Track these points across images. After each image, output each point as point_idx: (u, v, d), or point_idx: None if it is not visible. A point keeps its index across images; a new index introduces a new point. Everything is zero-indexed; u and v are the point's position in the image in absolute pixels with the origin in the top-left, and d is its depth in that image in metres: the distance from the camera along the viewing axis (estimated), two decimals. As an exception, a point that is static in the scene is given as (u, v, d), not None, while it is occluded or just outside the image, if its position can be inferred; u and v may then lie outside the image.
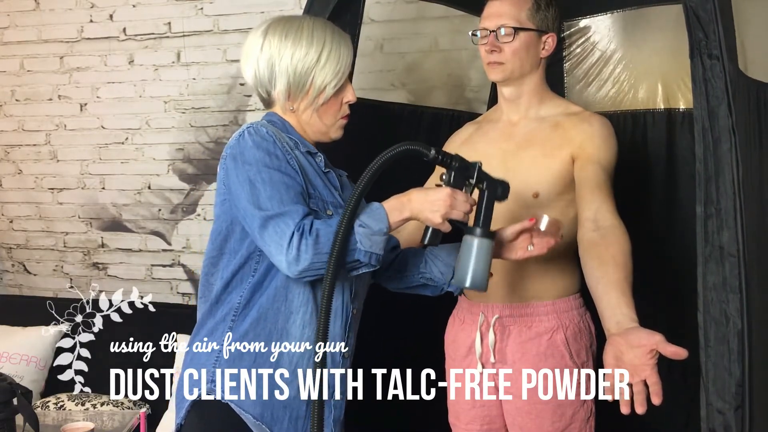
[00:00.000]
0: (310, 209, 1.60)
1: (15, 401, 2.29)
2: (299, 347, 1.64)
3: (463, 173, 1.59)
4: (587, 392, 1.97)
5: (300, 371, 1.64)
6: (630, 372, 1.53)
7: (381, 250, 1.57)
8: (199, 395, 1.62)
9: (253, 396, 1.61)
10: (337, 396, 1.70)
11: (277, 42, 1.68)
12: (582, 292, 1.98)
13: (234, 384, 1.61)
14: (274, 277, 1.64)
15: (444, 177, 1.58)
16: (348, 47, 1.73)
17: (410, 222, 1.63)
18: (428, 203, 1.55)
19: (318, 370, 1.55)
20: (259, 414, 1.60)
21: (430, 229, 1.58)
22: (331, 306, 1.56)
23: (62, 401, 3.08)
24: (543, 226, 1.72)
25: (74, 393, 3.14)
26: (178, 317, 3.30)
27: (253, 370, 1.62)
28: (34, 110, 3.72)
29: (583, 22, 2.59)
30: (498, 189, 1.63)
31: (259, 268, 1.64)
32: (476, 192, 1.63)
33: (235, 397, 1.60)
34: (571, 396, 1.95)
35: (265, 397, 1.61)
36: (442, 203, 1.54)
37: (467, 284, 1.61)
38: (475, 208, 1.61)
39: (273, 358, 1.63)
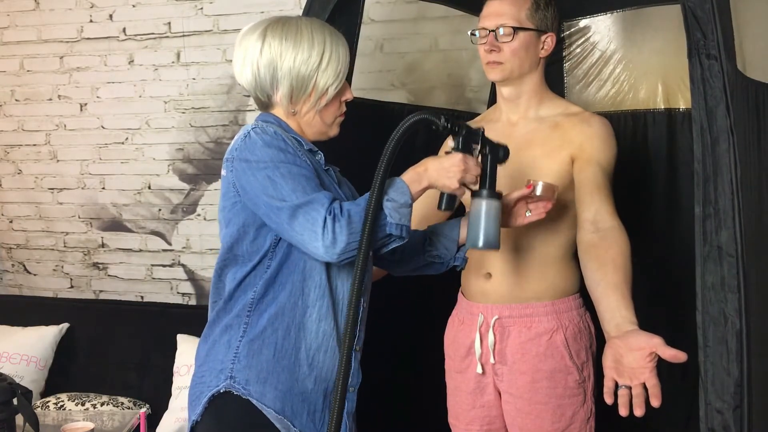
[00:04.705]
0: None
1: (15, 401, 2.29)
2: (317, 339, 1.66)
3: (469, 140, 1.64)
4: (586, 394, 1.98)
5: (317, 364, 1.66)
6: (629, 375, 1.53)
7: (409, 222, 1.62)
8: (218, 391, 1.63)
9: (273, 390, 1.62)
10: (350, 389, 1.71)
11: (277, 45, 1.68)
12: (581, 292, 1.98)
13: (255, 379, 1.62)
14: (291, 273, 1.66)
15: (452, 144, 1.64)
16: (345, 47, 1.75)
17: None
18: (444, 170, 1.62)
19: (343, 359, 1.58)
20: (280, 408, 1.62)
21: (446, 195, 1.65)
22: (363, 286, 1.60)
23: (62, 401, 3.08)
24: (539, 191, 1.78)
25: (74, 393, 3.14)
26: (178, 317, 3.33)
27: (273, 365, 1.63)
28: (34, 110, 3.72)
29: (583, 22, 2.59)
30: (500, 152, 1.70)
31: (272, 264, 1.66)
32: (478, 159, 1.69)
33: (256, 392, 1.61)
34: (571, 396, 1.96)
35: (285, 391, 1.63)
36: (457, 168, 1.61)
37: (480, 244, 1.68)
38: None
39: (291, 352, 1.64)
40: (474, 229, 1.69)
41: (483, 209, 1.67)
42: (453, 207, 1.67)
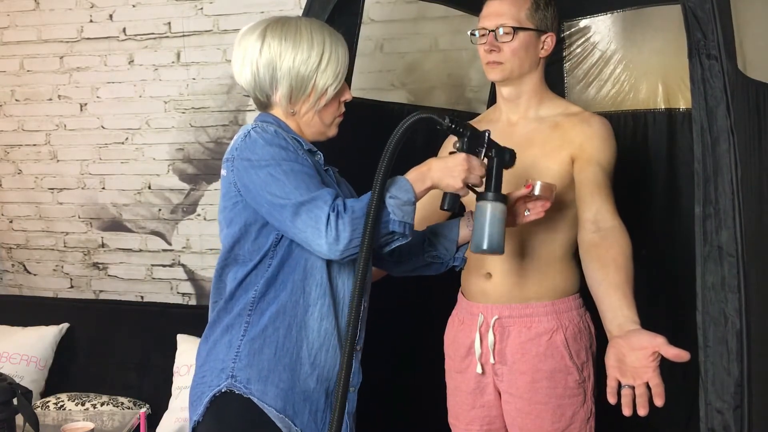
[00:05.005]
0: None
1: (15, 401, 2.29)
2: (319, 338, 1.66)
3: (474, 141, 1.64)
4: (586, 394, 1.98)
5: (319, 363, 1.66)
6: (632, 374, 1.53)
7: (412, 220, 1.61)
8: (220, 390, 1.63)
9: (274, 389, 1.62)
10: (351, 389, 1.72)
11: (277, 45, 1.68)
12: (582, 292, 1.98)
13: (256, 378, 1.62)
14: (292, 271, 1.65)
15: (457, 145, 1.64)
16: (345, 48, 1.74)
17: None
18: (447, 170, 1.61)
19: (344, 358, 1.58)
20: (281, 407, 1.62)
21: (449, 195, 1.64)
22: (365, 285, 1.60)
23: (62, 401, 3.08)
24: (537, 191, 1.78)
25: (74, 393, 3.14)
26: (178, 317, 3.33)
27: (274, 363, 1.63)
28: (34, 110, 3.72)
29: (583, 22, 2.59)
30: (506, 155, 1.70)
31: (273, 263, 1.66)
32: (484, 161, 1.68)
33: (257, 391, 1.61)
34: (571, 396, 1.96)
35: (287, 389, 1.63)
36: (461, 169, 1.60)
37: (485, 247, 1.68)
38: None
39: (293, 350, 1.64)
40: (479, 232, 1.68)
41: (488, 213, 1.67)
42: (456, 207, 1.67)
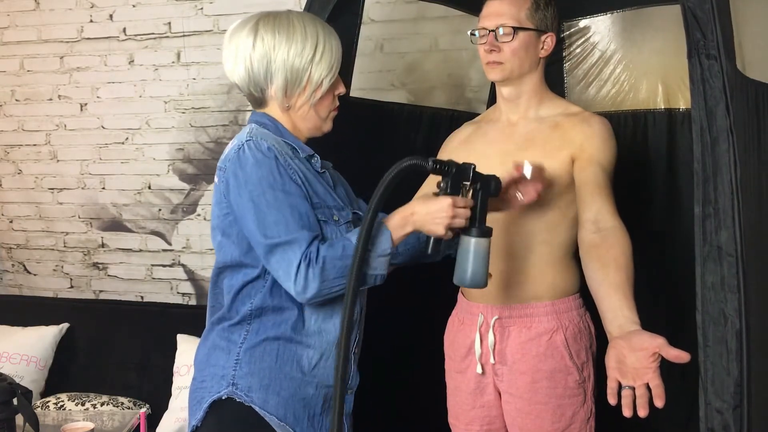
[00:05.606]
0: (317, 229, 1.61)
1: (15, 401, 2.29)
2: (320, 347, 1.66)
3: (459, 177, 1.61)
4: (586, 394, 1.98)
5: (319, 371, 1.66)
6: (632, 375, 1.53)
7: (385, 270, 1.60)
8: (220, 397, 1.62)
9: (275, 397, 1.61)
10: (348, 391, 1.72)
11: (270, 38, 1.67)
12: (582, 292, 1.98)
13: (257, 386, 1.62)
14: None
15: (441, 185, 1.60)
16: (338, 40, 1.74)
17: None
18: (430, 216, 1.58)
19: (340, 364, 1.56)
20: (282, 415, 1.61)
21: (432, 239, 1.61)
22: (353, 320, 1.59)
23: (62, 401, 3.08)
24: (528, 174, 1.74)
25: (74, 393, 3.14)
26: (178, 317, 3.33)
27: (275, 372, 1.63)
28: (34, 110, 3.72)
29: (583, 22, 2.59)
30: (491, 185, 1.66)
31: (271, 273, 1.65)
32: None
33: (258, 399, 1.61)
34: (571, 396, 1.96)
35: (287, 398, 1.62)
36: (445, 215, 1.57)
37: (467, 283, 1.65)
38: None
39: (293, 360, 1.64)
40: (462, 265, 1.65)
41: (471, 248, 1.63)
42: (439, 251, 1.64)
